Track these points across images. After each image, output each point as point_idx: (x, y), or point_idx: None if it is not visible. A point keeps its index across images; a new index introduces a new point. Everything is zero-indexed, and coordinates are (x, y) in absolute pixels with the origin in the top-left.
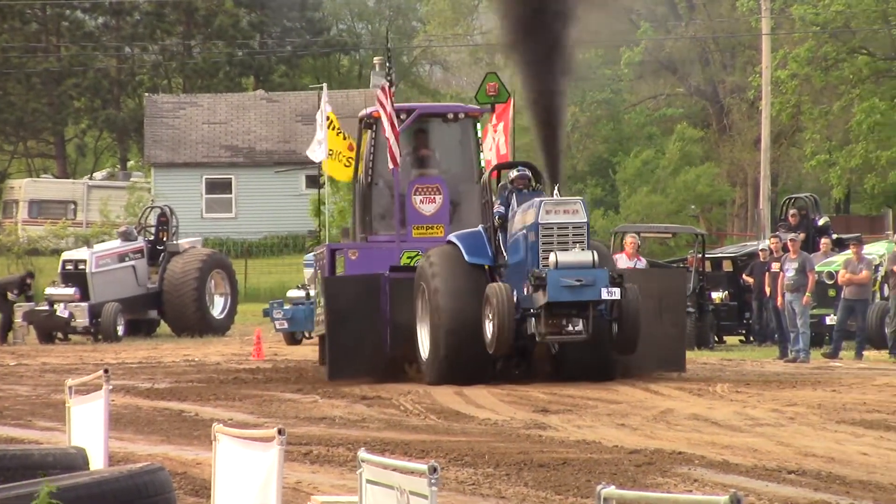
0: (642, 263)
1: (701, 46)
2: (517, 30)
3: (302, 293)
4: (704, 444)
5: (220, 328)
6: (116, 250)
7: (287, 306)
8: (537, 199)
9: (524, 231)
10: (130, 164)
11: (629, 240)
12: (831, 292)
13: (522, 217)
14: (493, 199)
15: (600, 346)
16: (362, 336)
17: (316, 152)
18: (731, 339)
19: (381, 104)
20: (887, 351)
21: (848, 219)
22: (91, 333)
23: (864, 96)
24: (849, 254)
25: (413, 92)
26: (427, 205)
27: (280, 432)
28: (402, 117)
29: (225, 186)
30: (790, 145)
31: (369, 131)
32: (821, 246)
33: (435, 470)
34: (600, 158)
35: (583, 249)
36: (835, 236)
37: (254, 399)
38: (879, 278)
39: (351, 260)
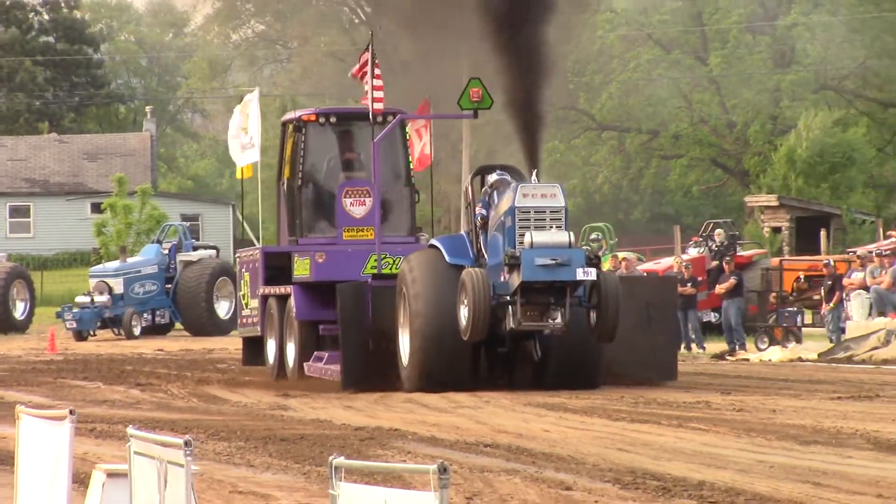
0: None
1: None
2: (493, 6)
3: (87, 299)
4: (416, 423)
5: (21, 327)
6: None
7: (76, 309)
8: (514, 184)
9: (502, 218)
10: None
11: None
12: None
13: (502, 205)
14: (474, 202)
15: (583, 353)
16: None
17: (240, 156)
18: None
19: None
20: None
21: None
22: None
23: None
24: None
25: (178, 135)
26: (357, 207)
27: (71, 412)
28: (331, 120)
29: (24, 212)
30: None
31: (297, 134)
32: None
33: (189, 444)
34: None
35: (560, 230)
36: None
37: (49, 385)
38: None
39: (318, 263)
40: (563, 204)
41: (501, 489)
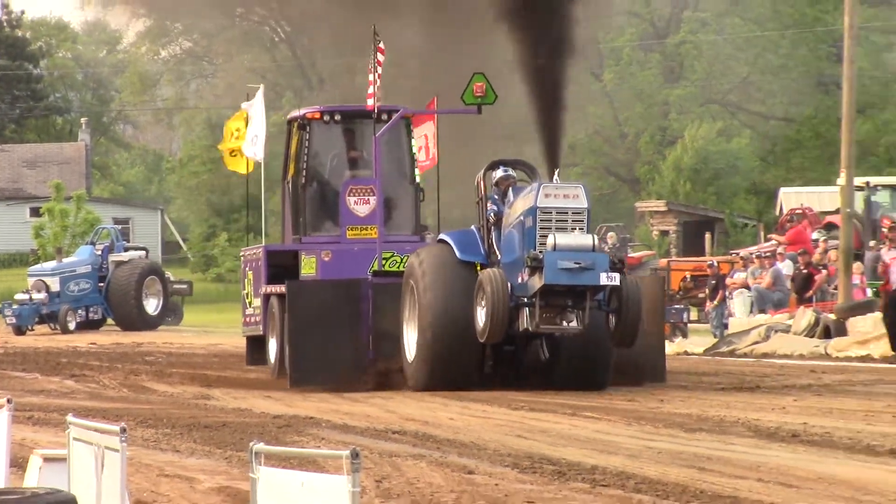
0: None
1: None
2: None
3: (26, 296)
4: (330, 412)
5: None
6: None
7: (15, 306)
8: (536, 184)
9: (520, 217)
10: None
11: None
12: None
13: (520, 203)
14: (486, 197)
15: (593, 353)
16: (333, 342)
17: (251, 149)
18: None
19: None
20: None
21: None
22: None
23: None
24: None
25: (111, 145)
26: (361, 206)
27: (9, 401)
28: (335, 118)
29: None
30: None
31: (302, 132)
32: None
33: (124, 430)
34: (254, 197)
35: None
36: None
37: None
38: None
39: (324, 262)
40: (585, 205)
41: (408, 473)
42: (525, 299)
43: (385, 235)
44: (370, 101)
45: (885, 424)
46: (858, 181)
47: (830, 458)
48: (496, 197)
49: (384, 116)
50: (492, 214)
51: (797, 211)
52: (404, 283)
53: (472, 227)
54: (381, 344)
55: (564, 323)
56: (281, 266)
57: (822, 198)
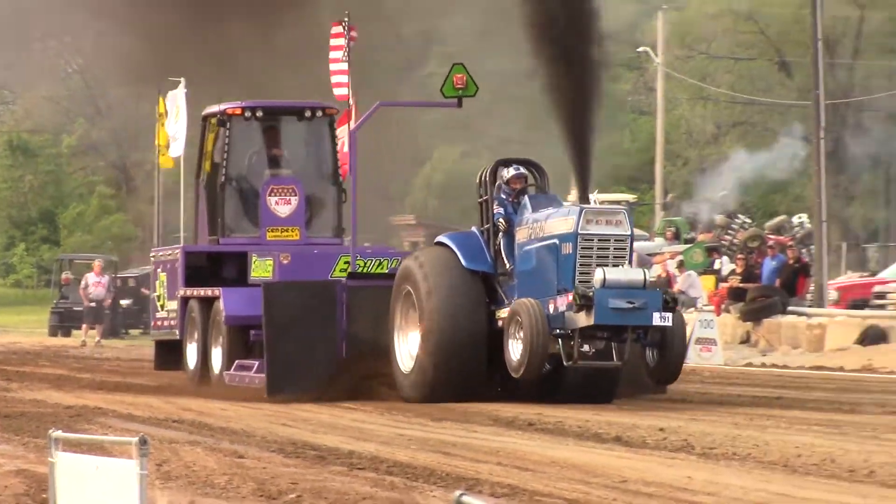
0: None
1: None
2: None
3: None
4: (116, 402)
5: None
6: None
7: None
8: (575, 207)
9: (554, 241)
10: None
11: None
12: None
13: (552, 223)
14: (492, 198)
15: (603, 368)
16: (309, 348)
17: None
18: (134, 332)
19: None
20: None
21: None
22: None
23: None
24: None
25: None
26: (282, 206)
27: None
28: (257, 115)
29: None
30: None
31: (221, 129)
32: None
33: None
34: (49, 211)
35: (630, 266)
36: None
37: None
38: None
39: (283, 264)
40: (628, 232)
41: (186, 457)
42: (559, 329)
43: (306, 238)
44: (342, 91)
45: (611, 414)
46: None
47: (562, 444)
48: (504, 197)
49: (307, 114)
50: (500, 219)
51: None
52: (397, 288)
53: (473, 228)
54: (355, 349)
55: (606, 359)
56: (195, 267)
57: None
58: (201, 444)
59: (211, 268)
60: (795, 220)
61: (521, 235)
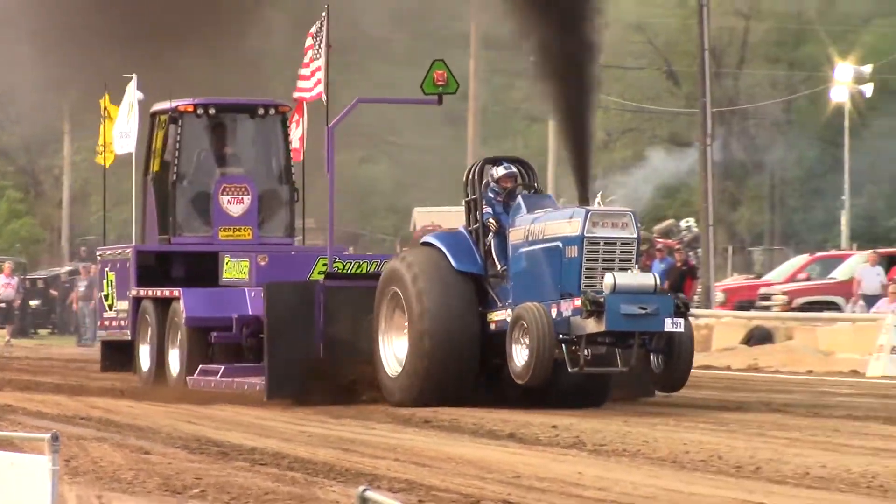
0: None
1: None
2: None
3: None
4: (25, 400)
5: None
6: None
7: None
8: (580, 209)
9: (557, 244)
10: None
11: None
12: None
13: (551, 226)
14: (481, 197)
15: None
16: (299, 350)
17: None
18: (42, 332)
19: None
20: None
21: None
22: None
23: None
24: None
25: None
26: (235, 205)
27: None
28: (210, 112)
29: None
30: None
31: (172, 126)
32: None
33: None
34: None
35: (640, 270)
36: None
37: None
38: None
39: (260, 266)
40: (635, 235)
41: (93, 453)
42: (563, 335)
43: (258, 237)
44: (319, 89)
45: (505, 412)
46: None
47: (458, 441)
48: (492, 197)
49: (260, 111)
50: (490, 219)
51: (428, 227)
52: (382, 290)
53: (460, 227)
54: (333, 351)
55: (612, 365)
56: (144, 267)
57: (450, 216)
58: (108, 441)
59: (160, 267)
60: (683, 223)
61: (515, 236)
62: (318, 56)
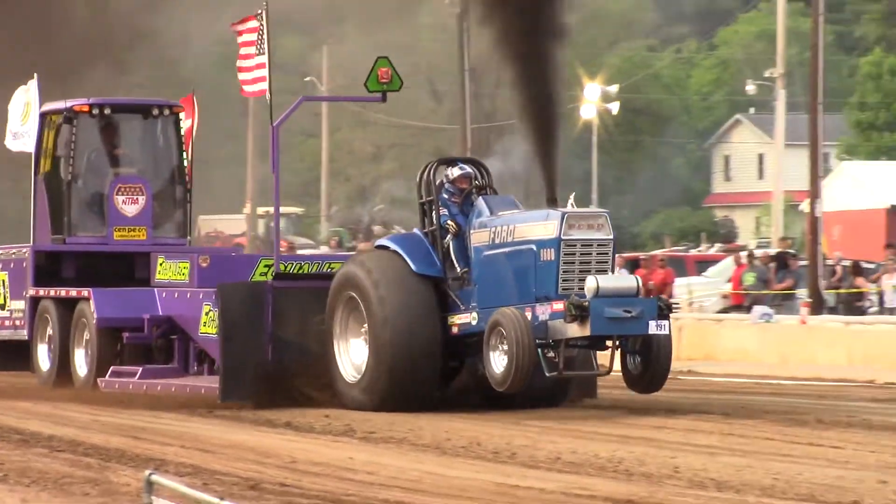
0: None
1: None
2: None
3: None
4: None
5: None
6: None
7: None
8: (555, 211)
9: (531, 246)
10: None
11: None
12: None
13: (523, 228)
14: (436, 199)
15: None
16: (252, 351)
17: (14, 143)
18: None
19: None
20: None
21: None
22: None
23: None
24: None
25: None
26: (129, 205)
27: None
28: (104, 112)
29: None
30: None
31: (66, 126)
32: None
33: None
34: None
35: (618, 272)
36: None
37: None
38: None
39: (201, 267)
40: (611, 236)
41: None
42: (538, 340)
43: (152, 237)
44: (262, 86)
45: (282, 405)
46: (261, 210)
47: (240, 428)
48: (446, 198)
49: (154, 111)
50: (449, 221)
51: (212, 234)
52: (337, 293)
53: (415, 230)
54: (281, 353)
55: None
56: (37, 267)
57: (232, 224)
58: None
59: (51, 267)
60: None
61: (478, 238)
62: (261, 52)
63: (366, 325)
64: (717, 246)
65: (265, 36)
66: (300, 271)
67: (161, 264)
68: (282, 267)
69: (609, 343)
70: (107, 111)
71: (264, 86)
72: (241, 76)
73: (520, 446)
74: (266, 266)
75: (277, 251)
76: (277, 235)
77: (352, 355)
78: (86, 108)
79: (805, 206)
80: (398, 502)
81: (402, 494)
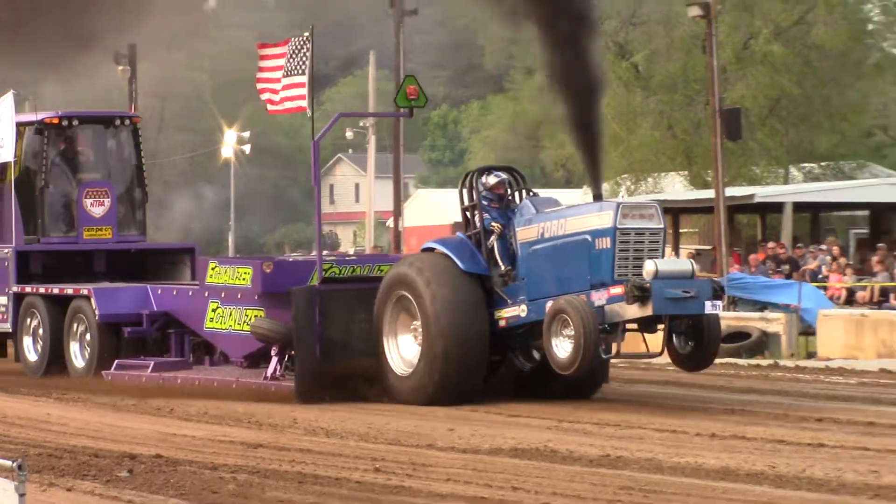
0: None
1: None
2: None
3: None
4: None
5: None
6: None
7: None
8: (608, 203)
9: (585, 237)
10: None
11: None
12: None
13: (576, 221)
14: (478, 205)
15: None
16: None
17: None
18: None
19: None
20: None
21: None
22: None
23: None
24: None
25: None
26: (97, 207)
27: None
28: (73, 123)
29: None
30: None
31: (38, 137)
32: None
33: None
34: None
35: (671, 258)
36: None
37: None
38: None
39: (265, 273)
40: (662, 225)
41: None
42: (603, 325)
43: (117, 236)
44: (302, 103)
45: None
46: None
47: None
48: (486, 204)
49: (116, 122)
50: (492, 223)
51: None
52: (387, 293)
53: (459, 234)
54: (329, 352)
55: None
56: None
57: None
58: None
59: (21, 264)
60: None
61: (525, 235)
62: (300, 72)
63: (416, 322)
64: (326, 252)
65: (310, 55)
66: (351, 274)
67: (213, 269)
68: (335, 271)
69: (660, 326)
70: (75, 122)
71: (303, 103)
72: (268, 96)
73: (177, 404)
74: (324, 272)
75: (320, 256)
76: (319, 243)
77: (402, 350)
78: (56, 121)
79: (390, 222)
80: (84, 447)
81: (87, 441)
